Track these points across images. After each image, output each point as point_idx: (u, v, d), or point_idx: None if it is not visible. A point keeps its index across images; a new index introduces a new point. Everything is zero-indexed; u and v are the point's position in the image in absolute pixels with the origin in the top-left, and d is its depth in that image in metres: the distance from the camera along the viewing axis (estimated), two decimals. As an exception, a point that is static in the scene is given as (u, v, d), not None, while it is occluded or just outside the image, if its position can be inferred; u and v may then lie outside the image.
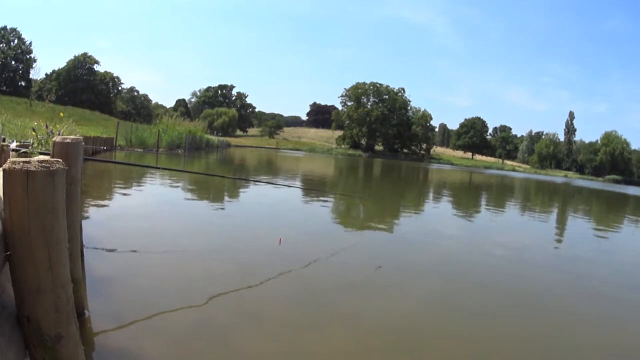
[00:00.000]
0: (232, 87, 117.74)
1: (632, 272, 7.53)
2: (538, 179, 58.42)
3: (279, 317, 3.79)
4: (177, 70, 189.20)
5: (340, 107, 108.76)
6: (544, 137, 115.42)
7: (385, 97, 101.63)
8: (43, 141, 6.89)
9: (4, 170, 0.94)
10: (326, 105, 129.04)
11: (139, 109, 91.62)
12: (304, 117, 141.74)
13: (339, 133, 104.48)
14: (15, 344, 0.95)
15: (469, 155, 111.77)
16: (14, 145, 4.23)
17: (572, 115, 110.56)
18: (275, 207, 10.21)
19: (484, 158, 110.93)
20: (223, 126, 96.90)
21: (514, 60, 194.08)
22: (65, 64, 77.15)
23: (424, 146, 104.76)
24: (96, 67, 78.82)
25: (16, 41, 66.29)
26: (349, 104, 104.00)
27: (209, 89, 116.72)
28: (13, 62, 65.65)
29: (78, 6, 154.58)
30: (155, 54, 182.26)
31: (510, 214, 14.78)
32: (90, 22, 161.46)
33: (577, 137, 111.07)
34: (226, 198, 11.38)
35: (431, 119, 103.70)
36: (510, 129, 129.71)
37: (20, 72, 67.02)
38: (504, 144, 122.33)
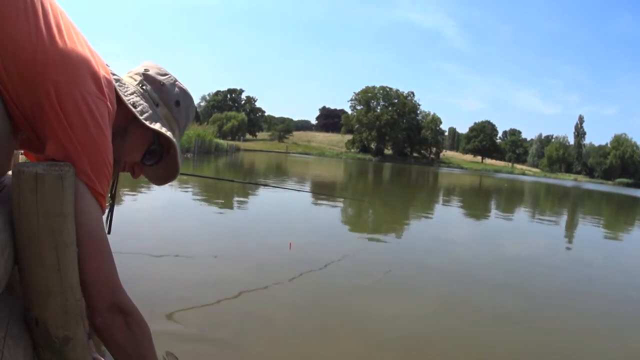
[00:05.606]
0: (241, 91, 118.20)
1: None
2: (548, 183, 58.01)
3: (288, 321, 3.78)
4: (186, 74, 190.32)
5: (349, 111, 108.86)
6: (553, 140, 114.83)
7: (394, 100, 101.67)
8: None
9: (13, 173, 0.95)
10: (335, 109, 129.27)
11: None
12: (313, 121, 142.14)
13: (349, 137, 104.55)
14: (23, 346, 0.95)
15: (479, 158, 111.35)
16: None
17: (581, 119, 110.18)
18: (284, 211, 10.22)
19: (493, 162, 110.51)
20: (232, 130, 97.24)
21: (523, 62, 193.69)
22: (76, 69, 78.04)
23: (433, 150, 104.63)
24: (106, 72, 79.64)
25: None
26: (358, 107, 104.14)
27: (217, 93, 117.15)
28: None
29: (87, 10, 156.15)
30: (164, 57, 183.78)
31: (522, 218, 14.67)
32: (99, 27, 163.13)
33: (587, 140, 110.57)
34: (235, 202, 11.41)
35: (440, 122, 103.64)
36: (520, 132, 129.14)
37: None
38: (513, 148, 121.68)
